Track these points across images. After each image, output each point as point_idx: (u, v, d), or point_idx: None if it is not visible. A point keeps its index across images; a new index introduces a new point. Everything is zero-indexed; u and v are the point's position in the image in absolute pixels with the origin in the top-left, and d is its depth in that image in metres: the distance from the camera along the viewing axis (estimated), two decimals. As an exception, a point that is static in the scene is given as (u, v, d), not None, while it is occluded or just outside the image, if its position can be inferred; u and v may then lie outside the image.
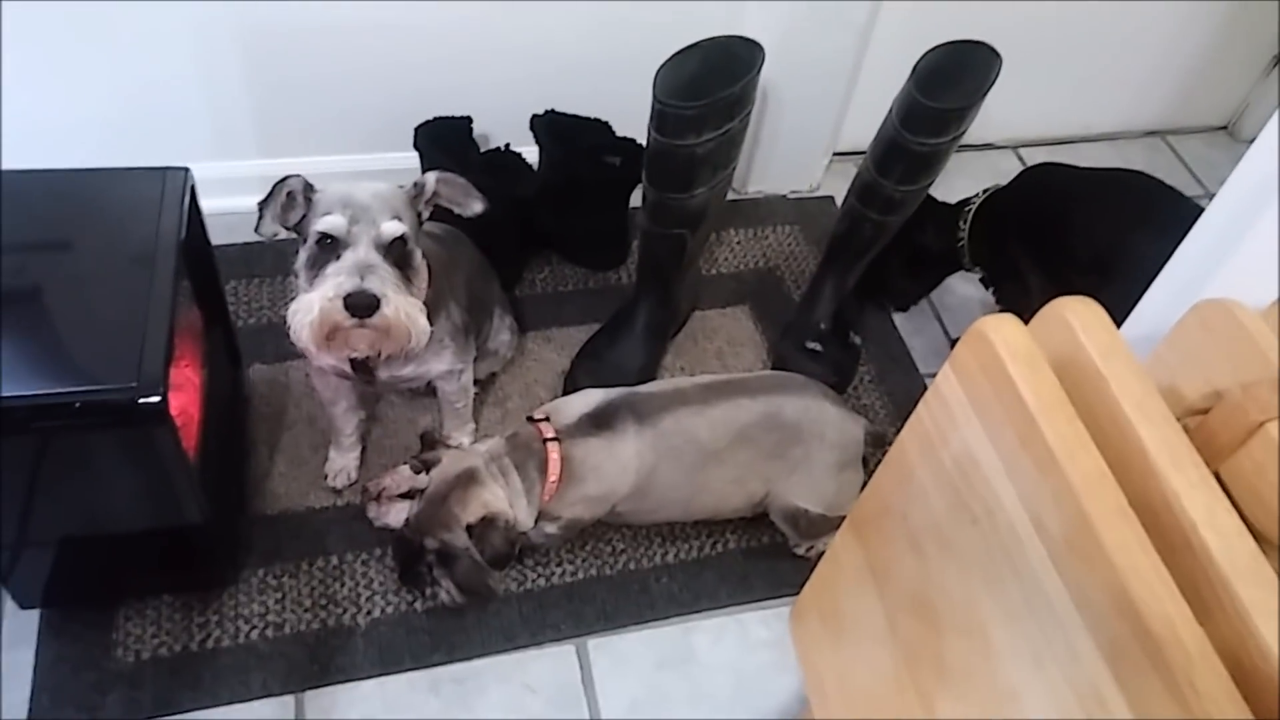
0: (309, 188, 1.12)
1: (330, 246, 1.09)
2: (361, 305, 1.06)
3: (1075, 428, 0.61)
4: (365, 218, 1.09)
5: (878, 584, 0.81)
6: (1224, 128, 2.21)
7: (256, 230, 1.13)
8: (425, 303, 1.15)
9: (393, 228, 1.10)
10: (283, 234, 1.14)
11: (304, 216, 1.12)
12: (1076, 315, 0.67)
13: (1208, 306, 0.71)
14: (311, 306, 1.07)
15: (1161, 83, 2.09)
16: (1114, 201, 1.46)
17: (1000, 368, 0.65)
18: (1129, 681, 0.56)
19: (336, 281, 1.07)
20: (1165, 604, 0.54)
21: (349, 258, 1.08)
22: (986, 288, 1.66)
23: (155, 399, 0.99)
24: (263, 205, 1.12)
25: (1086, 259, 1.43)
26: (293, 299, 1.11)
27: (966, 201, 1.61)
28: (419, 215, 1.18)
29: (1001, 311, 1.64)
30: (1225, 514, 0.58)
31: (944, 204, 1.64)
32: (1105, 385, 0.64)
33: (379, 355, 1.17)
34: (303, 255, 1.13)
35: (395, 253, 1.11)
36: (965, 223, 1.60)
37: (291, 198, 1.12)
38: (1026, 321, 0.72)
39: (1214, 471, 0.64)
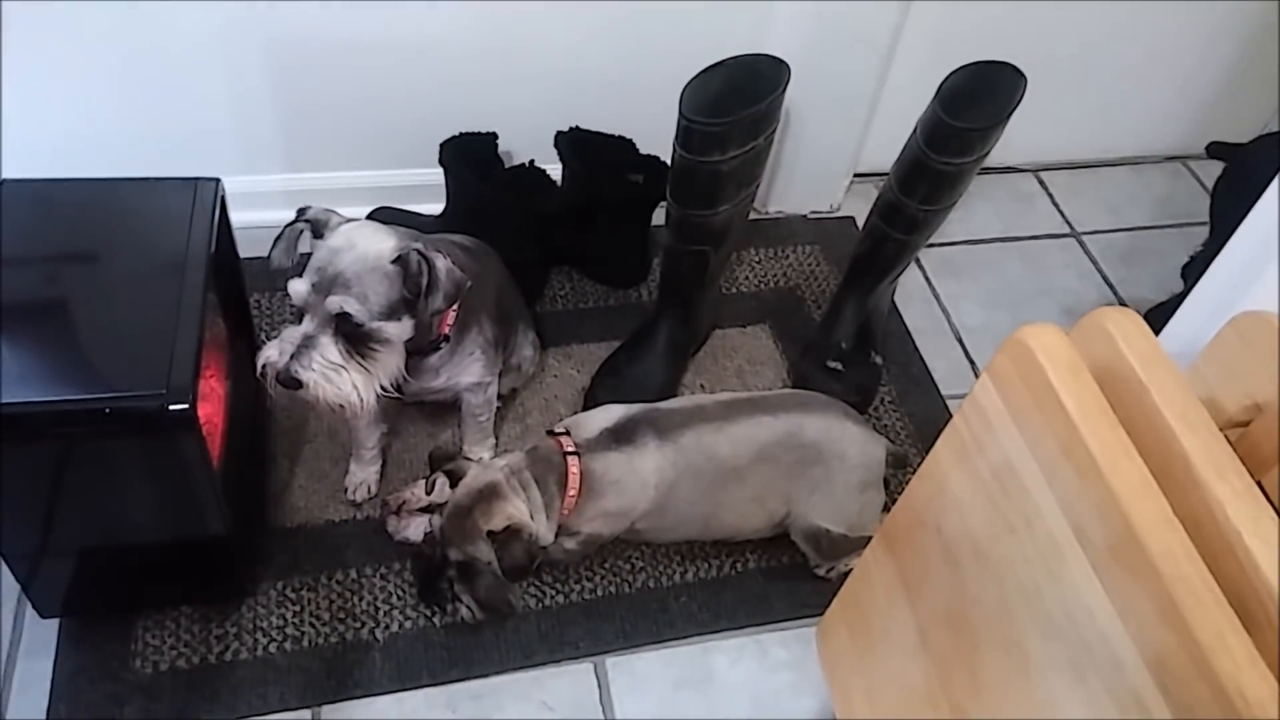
0: (319, 226, 1.13)
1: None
2: (283, 381, 1.10)
3: (1118, 435, 0.61)
4: (325, 289, 1.08)
5: (910, 597, 0.80)
6: (1245, 153, 2.21)
7: (269, 257, 1.15)
8: (457, 316, 1.16)
9: (339, 305, 1.08)
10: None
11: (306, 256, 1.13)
12: (1116, 325, 0.66)
13: (1246, 319, 0.70)
14: (258, 360, 1.12)
15: (1184, 107, 2.09)
16: None
17: (1041, 376, 0.64)
18: (1174, 690, 0.55)
19: (278, 347, 1.10)
20: (1213, 612, 0.53)
21: (295, 330, 1.10)
22: None
23: (183, 406, 0.99)
24: (276, 238, 1.14)
25: None
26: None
27: None
28: (405, 292, 1.11)
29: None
30: (1270, 524, 0.57)
31: None
32: (1147, 394, 0.63)
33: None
34: None
35: (347, 327, 1.10)
36: None
37: (308, 231, 1.14)
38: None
39: (1257, 483, 0.63)
